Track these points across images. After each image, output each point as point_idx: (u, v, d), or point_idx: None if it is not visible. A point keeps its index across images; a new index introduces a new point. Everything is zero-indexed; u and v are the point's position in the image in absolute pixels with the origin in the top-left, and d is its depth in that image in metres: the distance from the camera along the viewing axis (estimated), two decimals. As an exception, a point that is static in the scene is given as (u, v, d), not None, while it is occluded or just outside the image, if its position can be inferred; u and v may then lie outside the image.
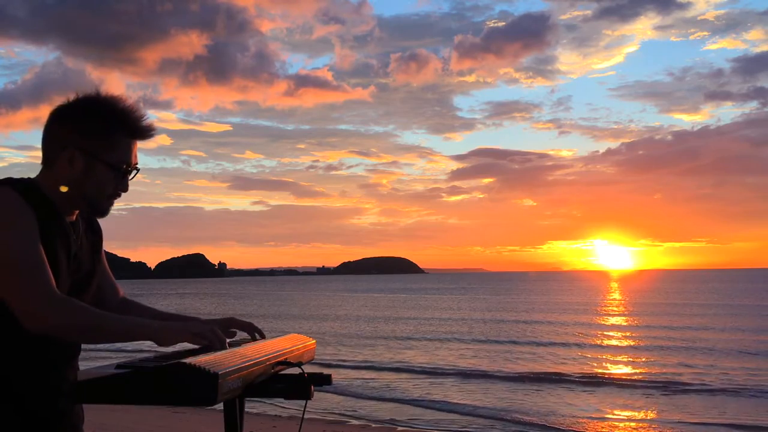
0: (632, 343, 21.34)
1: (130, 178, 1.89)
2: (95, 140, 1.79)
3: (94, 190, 1.81)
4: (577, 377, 14.60)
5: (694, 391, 13.01)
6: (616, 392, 13.12)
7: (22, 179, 1.79)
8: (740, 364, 16.29)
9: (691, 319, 29.82)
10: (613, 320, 31.25)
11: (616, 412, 11.22)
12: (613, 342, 22.00)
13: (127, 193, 1.88)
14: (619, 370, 16.11)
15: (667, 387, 13.32)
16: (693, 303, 45.13)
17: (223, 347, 1.73)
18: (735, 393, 12.72)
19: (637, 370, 15.82)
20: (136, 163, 1.89)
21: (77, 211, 1.88)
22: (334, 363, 17.47)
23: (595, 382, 14.08)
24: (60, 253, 1.77)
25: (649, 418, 10.84)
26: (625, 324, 28.74)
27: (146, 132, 1.87)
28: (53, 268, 1.72)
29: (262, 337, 2.08)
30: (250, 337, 2.07)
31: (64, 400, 1.78)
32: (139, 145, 1.89)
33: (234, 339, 2.05)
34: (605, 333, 24.86)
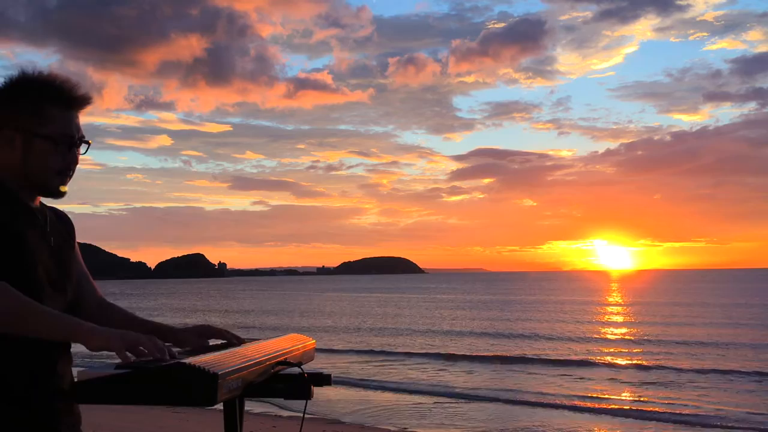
0: (625, 360, 19.60)
1: (82, 152, 1.84)
2: (28, 116, 1.74)
3: (38, 167, 1.75)
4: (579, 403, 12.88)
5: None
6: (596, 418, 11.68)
7: None
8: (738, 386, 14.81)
9: (688, 328, 29.04)
10: (609, 329, 29.51)
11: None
12: (607, 357, 20.03)
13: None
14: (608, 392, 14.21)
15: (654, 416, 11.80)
16: (691, 304, 45.05)
17: (164, 356, 1.60)
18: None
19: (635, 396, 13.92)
20: (82, 136, 1.82)
21: (38, 197, 1.85)
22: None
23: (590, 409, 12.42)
24: (38, 243, 1.75)
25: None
26: (623, 337, 26.53)
27: (79, 101, 1.81)
28: (25, 260, 1.69)
29: (240, 342, 1.98)
30: (226, 343, 1.99)
31: (64, 399, 1.76)
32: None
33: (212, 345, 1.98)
34: (600, 348, 22.85)
